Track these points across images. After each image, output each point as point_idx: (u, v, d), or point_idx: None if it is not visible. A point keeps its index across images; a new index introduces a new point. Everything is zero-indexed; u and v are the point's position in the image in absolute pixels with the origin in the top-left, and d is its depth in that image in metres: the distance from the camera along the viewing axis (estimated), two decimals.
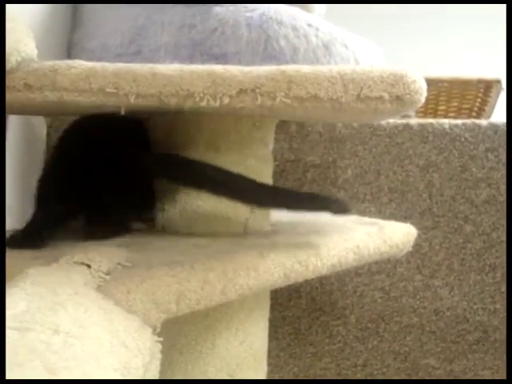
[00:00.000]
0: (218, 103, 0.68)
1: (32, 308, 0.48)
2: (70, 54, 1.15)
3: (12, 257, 0.72)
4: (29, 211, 1.18)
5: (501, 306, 1.40)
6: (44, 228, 0.82)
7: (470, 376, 1.41)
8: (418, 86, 0.70)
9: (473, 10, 2.76)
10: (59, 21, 1.15)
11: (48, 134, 1.29)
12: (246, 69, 0.69)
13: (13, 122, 1.00)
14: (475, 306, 1.41)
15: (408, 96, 0.70)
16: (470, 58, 2.68)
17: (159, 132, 0.98)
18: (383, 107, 0.70)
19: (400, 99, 0.70)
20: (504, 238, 1.39)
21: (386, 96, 0.69)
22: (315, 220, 1.00)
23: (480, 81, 1.73)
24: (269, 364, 1.05)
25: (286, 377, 1.39)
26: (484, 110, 1.77)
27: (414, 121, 1.39)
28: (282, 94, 0.68)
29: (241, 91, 0.68)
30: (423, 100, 0.72)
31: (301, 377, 1.39)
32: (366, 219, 1.04)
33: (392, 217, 1.33)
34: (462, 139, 1.38)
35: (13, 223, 1.02)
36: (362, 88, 0.69)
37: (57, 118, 1.29)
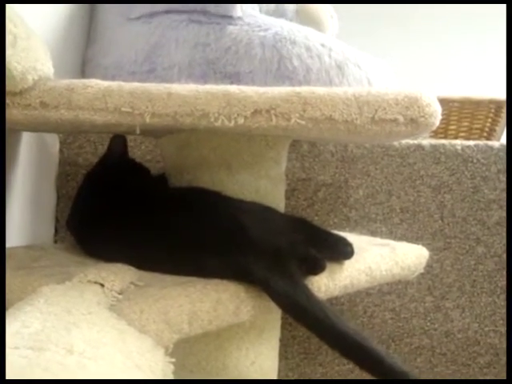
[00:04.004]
0: (232, 123, 0.68)
1: (47, 327, 0.48)
2: (84, 70, 1.16)
3: (24, 274, 0.73)
4: (41, 225, 1.19)
5: None
6: None
7: None
8: (432, 108, 0.70)
9: (486, 30, 2.77)
10: (74, 36, 1.16)
11: (61, 150, 1.30)
12: (261, 90, 0.69)
13: (26, 139, 1.01)
14: (486, 329, 1.39)
15: (422, 119, 0.69)
16: (481, 77, 2.68)
17: (172, 149, 0.99)
18: (398, 130, 0.70)
19: (414, 122, 0.70)
20: None
21: (401, 119, 0.69)
22: None
23: (491, 101, 1.72)
24: None
25: None
26: (495, 131, 1.76)
27: (426, 141, 1.39)
28: (297, 115, 0.68)
29: (256, 112, 0.68)
30: (437, 123, 0.72)
31: None
32: (378, 240, 1.03)
33: (403, 237, 1.33)
34: (475, 160, 1.38)
35: (26, 239, 1.03)
36: (376, 110, 0.69)
37: (70, 135, 1.30)
